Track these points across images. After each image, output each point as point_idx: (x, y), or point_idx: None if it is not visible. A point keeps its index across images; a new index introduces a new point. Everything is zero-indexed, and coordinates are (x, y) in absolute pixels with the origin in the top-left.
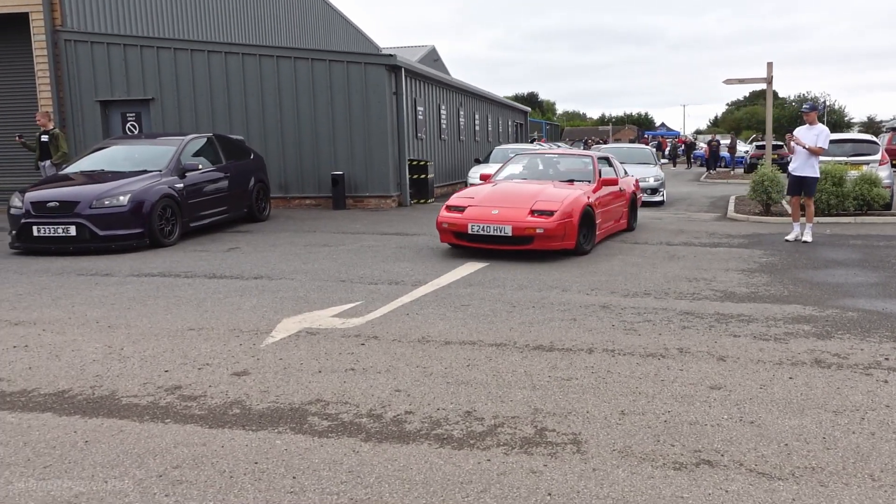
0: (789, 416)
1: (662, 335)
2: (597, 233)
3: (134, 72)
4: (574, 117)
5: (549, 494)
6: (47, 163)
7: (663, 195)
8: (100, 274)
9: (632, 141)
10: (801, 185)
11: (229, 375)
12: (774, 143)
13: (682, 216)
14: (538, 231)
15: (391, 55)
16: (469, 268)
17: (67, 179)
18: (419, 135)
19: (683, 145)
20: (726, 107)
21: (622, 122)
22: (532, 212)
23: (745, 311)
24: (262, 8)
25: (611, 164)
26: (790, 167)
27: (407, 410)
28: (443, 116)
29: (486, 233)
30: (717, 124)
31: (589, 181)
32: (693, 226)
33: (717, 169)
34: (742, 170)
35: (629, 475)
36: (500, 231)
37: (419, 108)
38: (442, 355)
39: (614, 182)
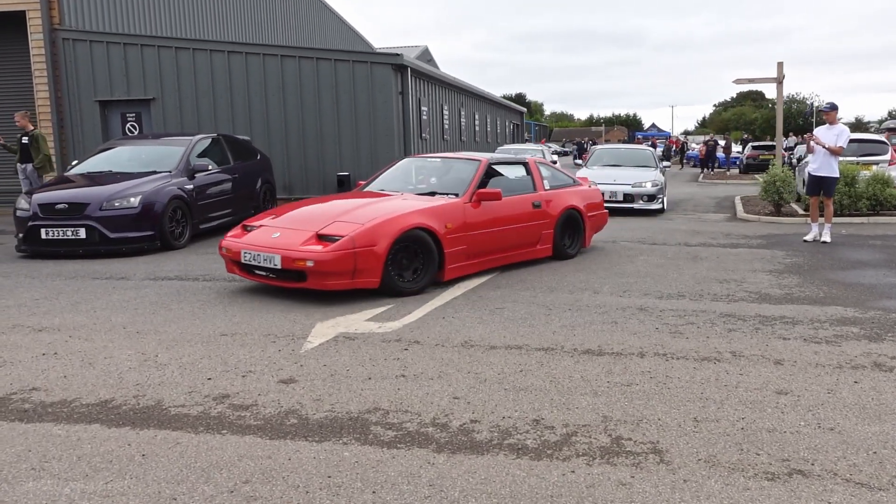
0: (868, 423)
1: (710, 338)
2: (449, 266)
3: (134, 71)
4: (562, 118)
5: None
6: (28, 166)
7: (663, 202)
8: (115, 278)
9: (622, 142)
10: (820, 186)
11: (276, 383)
12: (768, 143)
13: (691, 217)
14: (308, 264)
15: (398, 55)
16: (490, 270)
17: (74, 181)
18: (423, 135)
19: (675, 146)
20: (713, 108)
21: (611, 123)
22: (318, 237)
23: (786, 312)
24: (258, 6)
25: (529, 173)
26: (809, 167)
27: (472, 419)
28: (445, 116)
29: (257, 262)
30: (704, 125)
31: (457, 195)
32: (706, 226)
33: (715, 170)
34: (737, 170)
35: (723, 486)
36: (270, 262)
37: (423, 108)
38: (491, 360)
39: (496, 196)
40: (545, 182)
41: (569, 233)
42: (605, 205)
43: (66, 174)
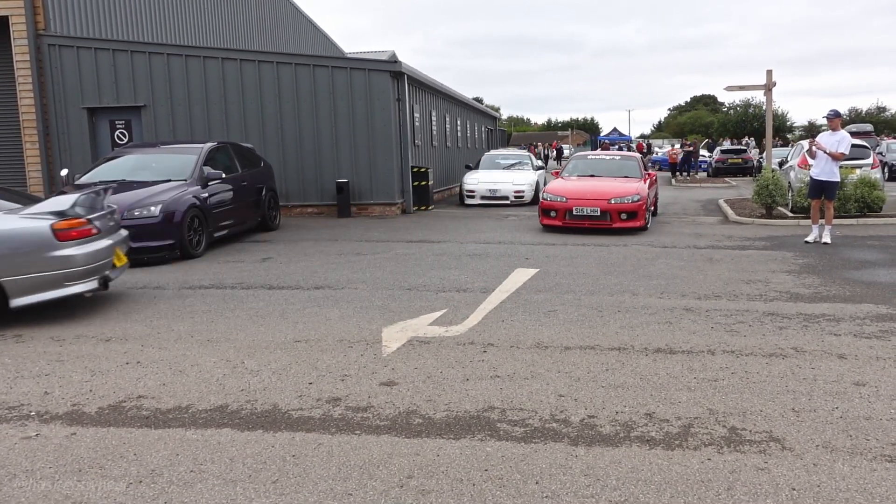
0: None
1: (766, 336)
2: None
3: (124, 78)
4: (518, 122)
5: (794, 489)
6: None
7: None
8: (150, 287)
9: (583, 145)
10: (821, 189)
11: (378, 385)
12: (736, 147)
13: (686, 220)
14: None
15: (396, 61)
16: (522, 274)
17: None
18: (416, 141)
19: (639, 149)
20: (668, 111)
21: (569, 126)
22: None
23: (825, 310)
24: (235, 12)
25: None
26: (812, 172)
27: (588, 415)
28: (434, 122)
29: None
30: (661, 129)
31: None
32: (705, 229)
33: (684, 174)
34: (706, 174)
35: (852, 469)
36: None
37: (416, 115)
38: (573, 360)
39: None
40: None
41: None
42: None
43: (77, 183)
